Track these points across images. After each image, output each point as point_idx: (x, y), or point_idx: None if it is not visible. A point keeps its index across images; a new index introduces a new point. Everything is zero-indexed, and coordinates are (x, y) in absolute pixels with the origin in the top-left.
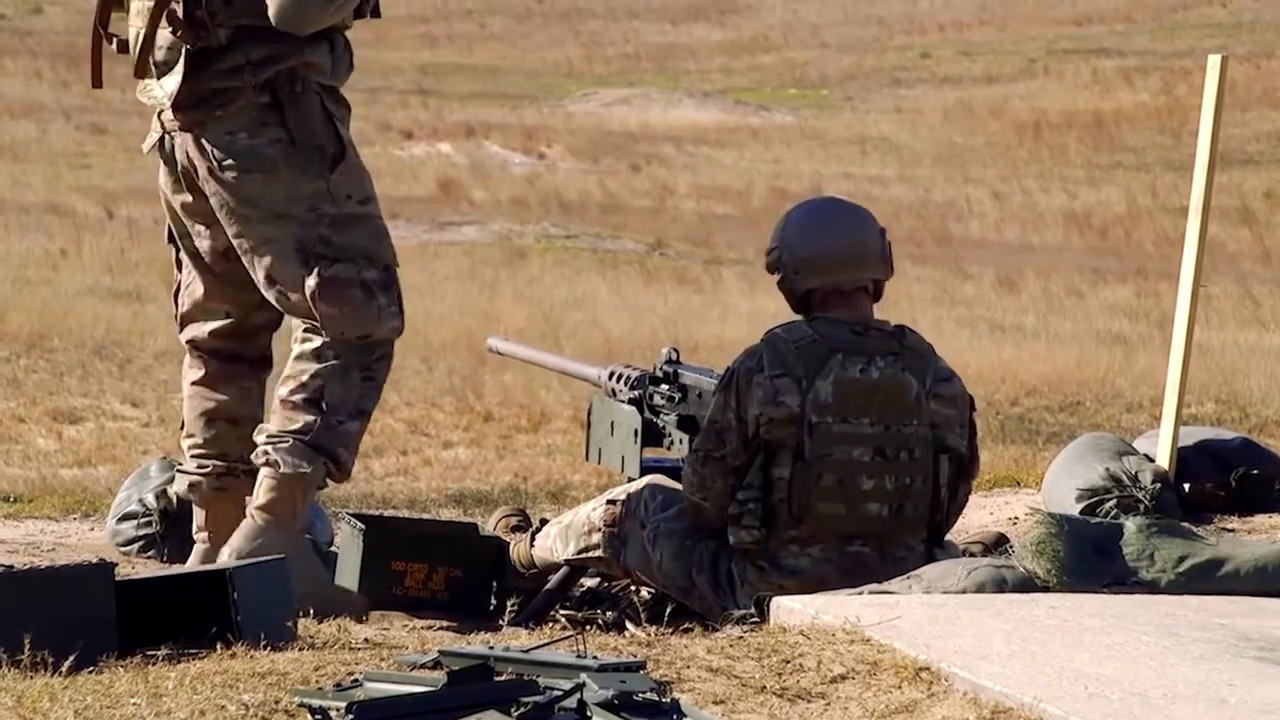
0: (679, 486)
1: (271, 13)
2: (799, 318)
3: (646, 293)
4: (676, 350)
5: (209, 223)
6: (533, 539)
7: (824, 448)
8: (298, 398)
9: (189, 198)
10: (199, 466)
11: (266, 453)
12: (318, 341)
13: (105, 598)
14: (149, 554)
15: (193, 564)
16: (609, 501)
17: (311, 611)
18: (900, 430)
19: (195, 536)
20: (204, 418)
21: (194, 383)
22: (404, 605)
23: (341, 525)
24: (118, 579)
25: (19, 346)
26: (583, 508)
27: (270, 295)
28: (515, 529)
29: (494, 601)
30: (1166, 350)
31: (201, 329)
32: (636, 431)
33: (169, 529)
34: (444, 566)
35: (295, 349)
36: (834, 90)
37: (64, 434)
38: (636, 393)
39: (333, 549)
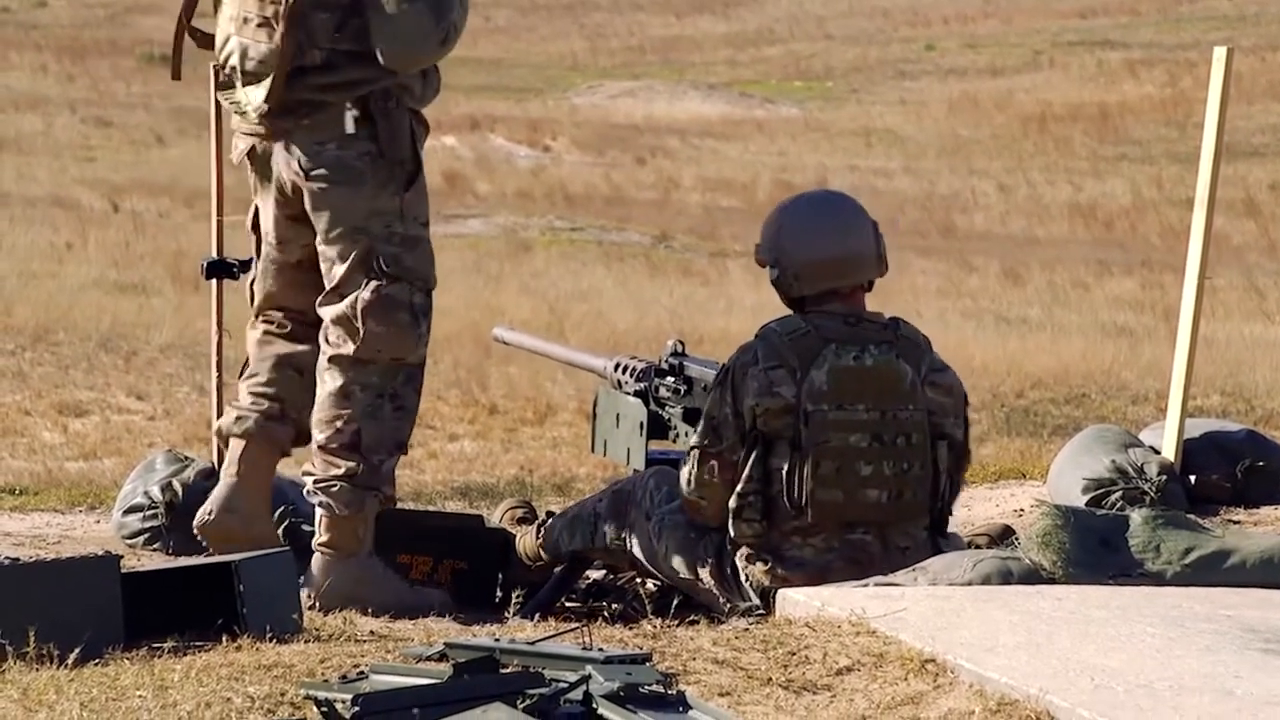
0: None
1: (382, 57)
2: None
3: (651, 285)
4: (682, 342)
5: (297, 233)
6: (538, 531)
7: (821, 435)
8: (335, 445)
9: (283, 205)
10: (253, 403)
11: (316, 494)
12: (341, 378)
13: (111, 590)
14: (155, 546)
15: (216, 498)
16: (614, 492)
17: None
18: (896, 416)
19: (223, 473)
20: (273, 359)
21: (268, 333)
22: None
23: None
24: (123, 571)
25: (24, 339)
26: (587, 500)
27: (324, 305)
28: (521, 521)
29: (499, 594)
30: (1172, 342)
31: (276, 311)
32: (642, 424)
33: (175, 521)
34: (449, 559)
35: (321, 386)
36: (839, 83)
37: (69, 427)
38: (642, 385)
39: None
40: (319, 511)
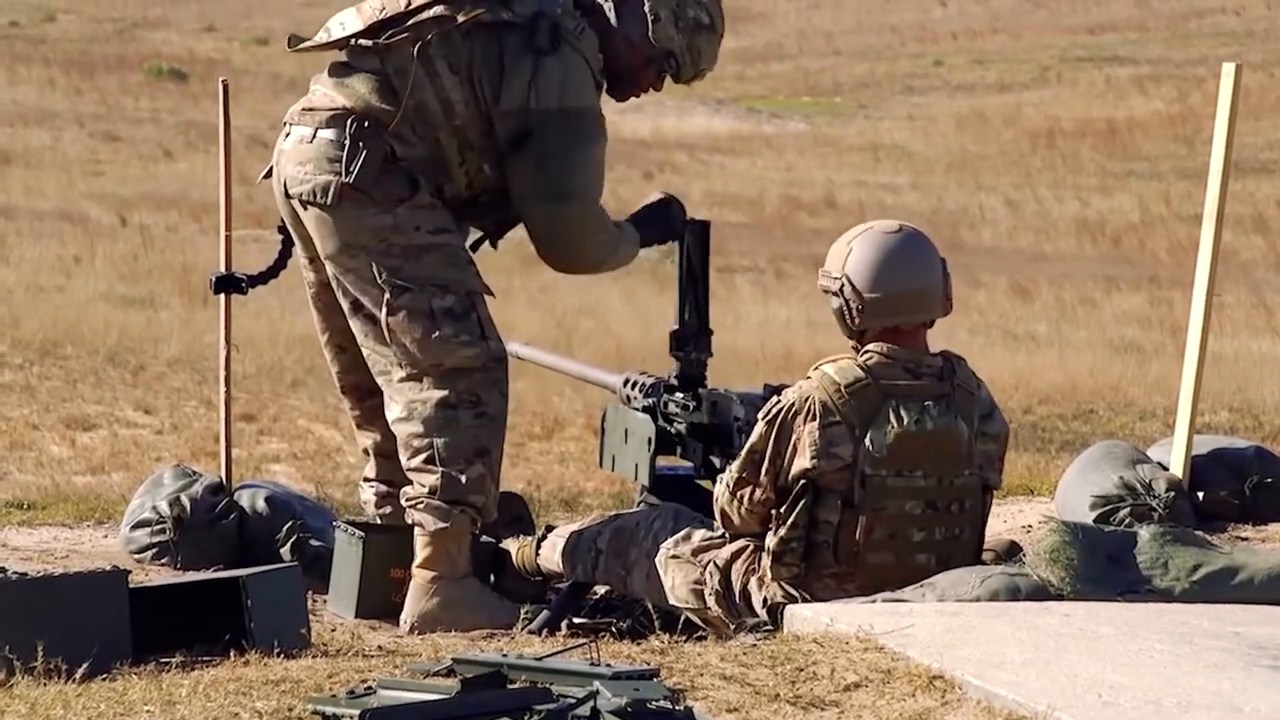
0: (689, 513)
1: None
2: (848, 352)
3: (659, 301)
4: None
5: (310, 256)
6: (538, 546)
7: (877, 501)
8: (415, 462)
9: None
10: (372, 490)
11: (410, 514)
12: (398, 401)
13: (119, 605)
14: (163, 561)
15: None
16: (615, 530)
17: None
18: (953, 482)
19: None
20: (364, 452)
21: (354, 419)
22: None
23: (338, 533)
24: (131, 586)
25: (32, 354)
26: (587, 529)
27: (355, 325)
28: (515, 520)
29: None
30: (1180, 358)
31: (342, 374)
32: (650, 440)
33: (182, 536)
34: None
35: (388, 414)
36: (847, 98)
37: (77, 441)
38: (650, 400)
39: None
40: (415, 531)
